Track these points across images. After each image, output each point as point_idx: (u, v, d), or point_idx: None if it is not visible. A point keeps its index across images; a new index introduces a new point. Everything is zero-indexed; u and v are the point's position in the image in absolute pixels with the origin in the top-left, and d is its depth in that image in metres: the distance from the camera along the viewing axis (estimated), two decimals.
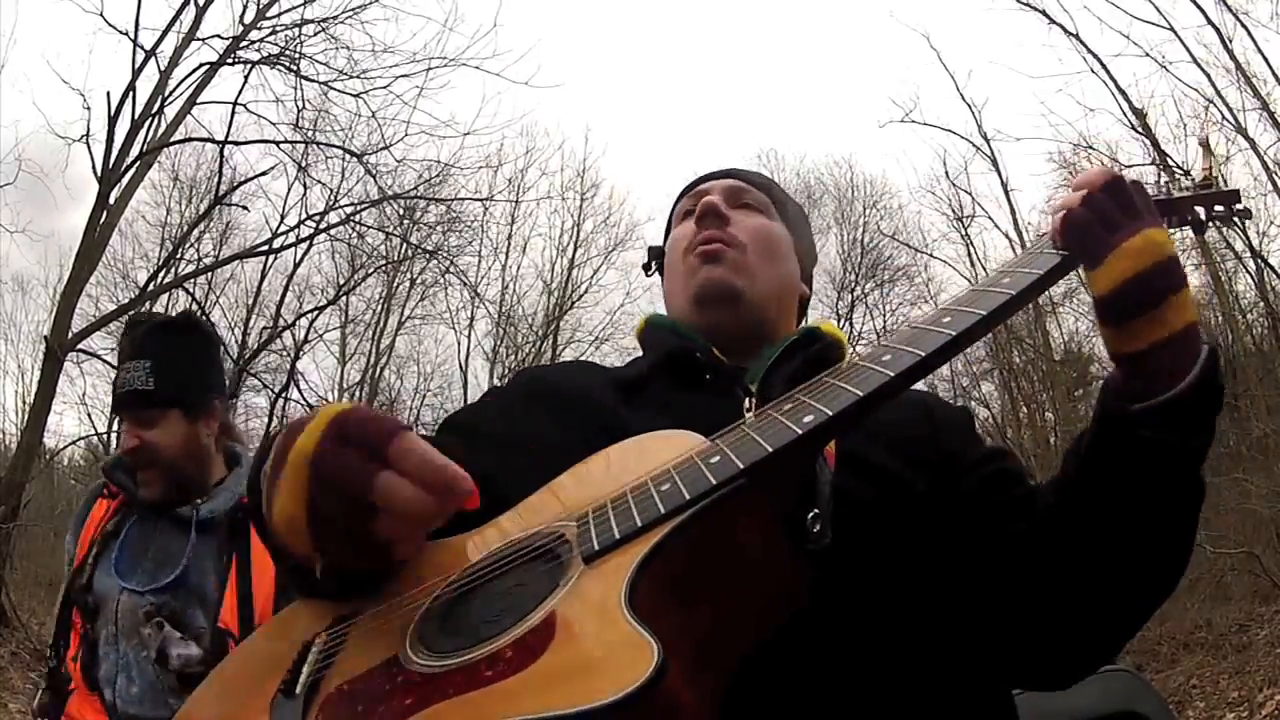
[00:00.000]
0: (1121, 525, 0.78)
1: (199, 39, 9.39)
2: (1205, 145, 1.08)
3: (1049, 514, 0.83)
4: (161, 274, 11.60)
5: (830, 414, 0.67)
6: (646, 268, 1.24)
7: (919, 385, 0.77)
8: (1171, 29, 10.51)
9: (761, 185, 1.19)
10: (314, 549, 0.71)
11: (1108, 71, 11.11)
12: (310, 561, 0.72)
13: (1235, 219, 1.02)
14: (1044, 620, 0.83)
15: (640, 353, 1.17)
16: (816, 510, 0.79)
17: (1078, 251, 0.80)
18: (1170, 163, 10.33)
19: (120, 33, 8.83)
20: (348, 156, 11.02)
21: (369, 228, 12.48)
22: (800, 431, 0.67)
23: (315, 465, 0.69)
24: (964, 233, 15.62)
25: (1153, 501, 0.77)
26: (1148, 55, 10.64)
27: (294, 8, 9.64)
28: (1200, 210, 1.00)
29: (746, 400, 0.95)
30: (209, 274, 13.45)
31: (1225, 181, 1.02)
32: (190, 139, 10.49)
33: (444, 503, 0.68)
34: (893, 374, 0.69)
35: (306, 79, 9.74)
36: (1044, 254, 0.82)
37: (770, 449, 0.66)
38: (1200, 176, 1.03)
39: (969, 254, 15.49)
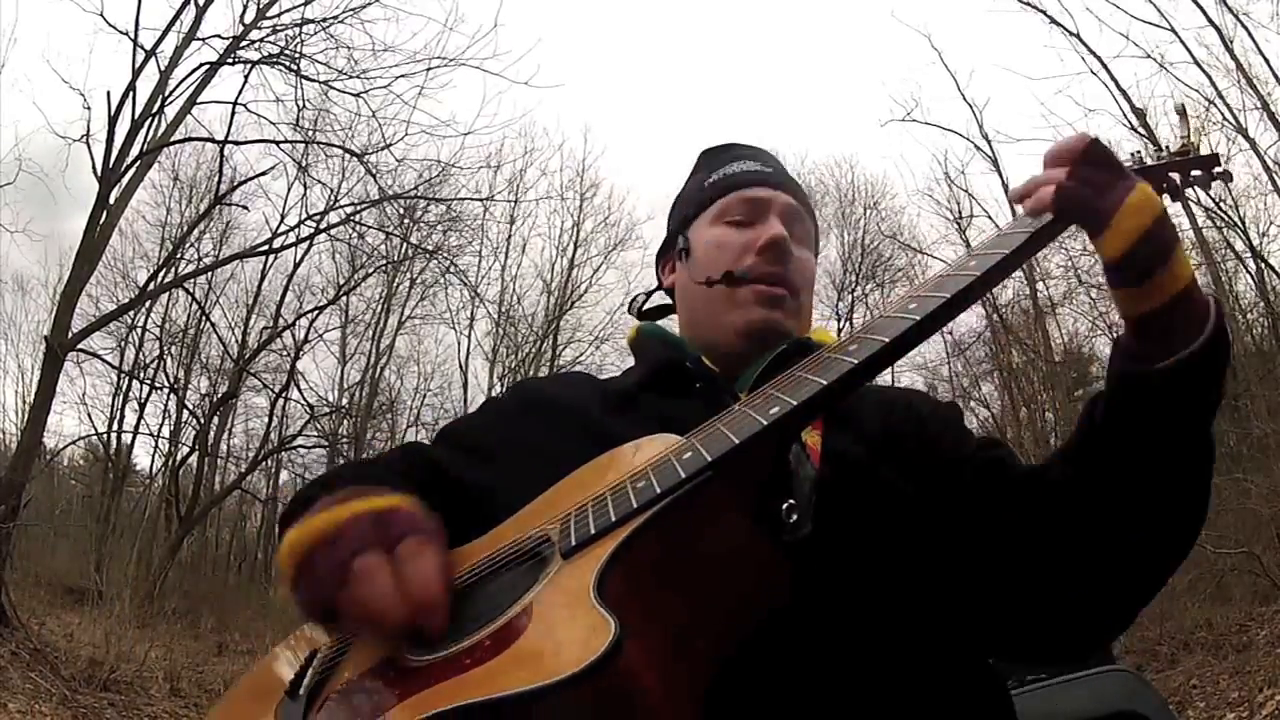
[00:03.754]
0: (1145, 485, 0.78)
1: (199, 39, 9.40)
2: (1181, 112, 1.06)
3: (1068, 482, 0.82)
4: (161, 274, 11.62)
5: (795, 403, 0.70)
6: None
7: (917, 384, 0.77)
8: (1172, 29, 10.52)
9: (808, 209, 1.15)
10: (290, 583, 0.75)
11: (1108, 72, 11.12)
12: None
13: (1215, 182, 1.00)
14: (1066, 588, 0.82)
15: (633, 360, 1.18)
16: (792, 501, 0.80)
17: (1078, 220, 0.78)
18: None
19: (120, 33, 8.84)
20: (348, 156, 11.04)
21: (369, 228, 12.51)
22: (766, 422, 0.69)
23: (345, 522, 0.73)
24: (963, 234, 15.62)
25: (1173, 460, 0.78)
26: (1149, 56, 10.64)
27: (294, 7, 9.65)
28: (1176, 176, 0.99)
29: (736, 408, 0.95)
30: (209, 274, 13.47)
31: (1199, 148, 1.01)
32: (190, 139, 10.52)
33: (410, 617, 0.68)
34: (856, 362, 0.71)
35: (307, 79, 9.76)
36: (1013, 234, 0.80)
37: (737, 441, 0.68)
38: (1176, 145, 1.02)
39: None
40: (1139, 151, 1.03)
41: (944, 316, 0.74)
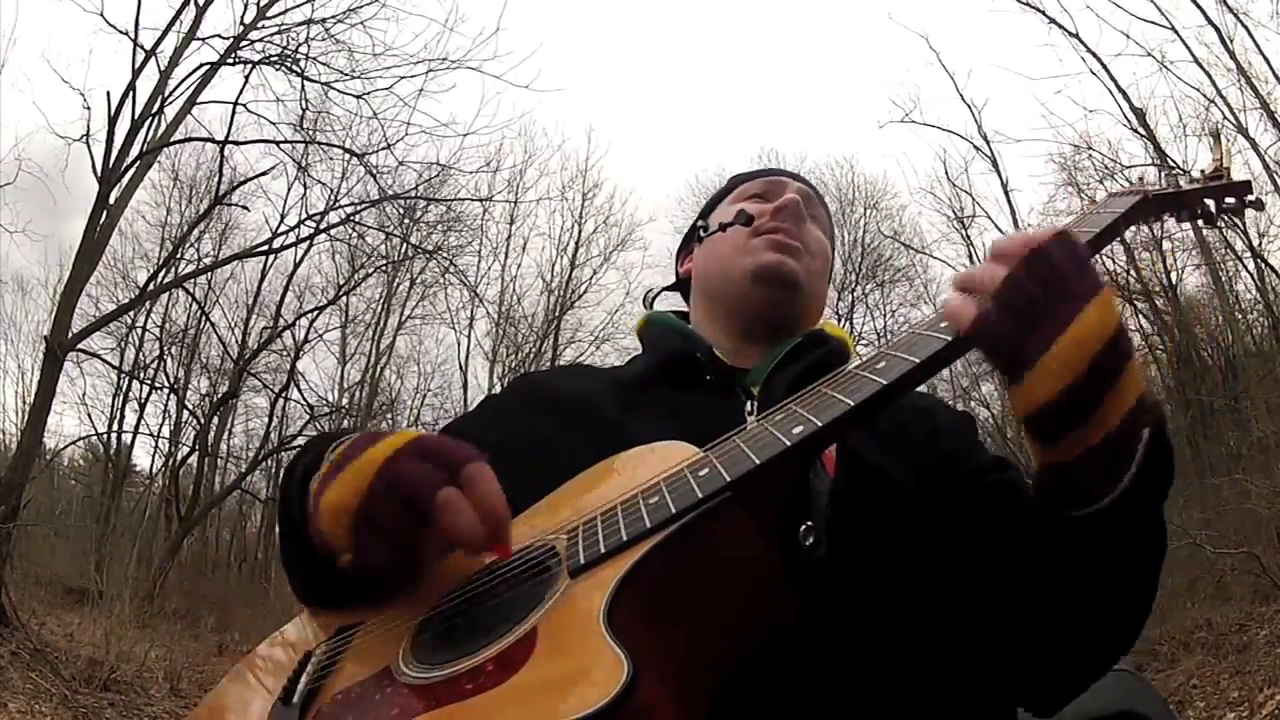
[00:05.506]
0: (1071, 594, 0.74)
1: (199, 39, 9.38)
2: (1216, 135, 1.03)
3: (1012, 560, 0.78)
4: (161, 274, 11.60)
5: (820, 424, 0.66)
6: (702, 226, 1.17)
7: (920, 387, 0.75)
8: (1172, 28, 10.52)
9: (825, 206, 1.19)
10: (348, 543, 0.71)
11: (1107, 71, 11.11)
12: (339, 554, 0.73)
13: (1247, 209, 0.97)
14: (1018, 645, 0.79)
15: (640, 350, 1.16)
16: (810, 522, 0.77)
17: (992, 364, 0.68)
18: (1170, 162, 10.32)
19: (120, 33, 8.82)
20: (348, 156, 11.03)
21: (369, 228, 12.51)
22: (789, 443, 0.66)
23: (386, 466, 0.71)
24: (964, 233, 15.62)
25: (1103, 570, 0.73)
26: (1149, 55, 10.64)
27: (294, 7, 9.64)
28: (1210, 203, 0.95)
29: (748, 403, 0.94)
30: (209, 274, 13.47)
31: (1232, 173, 0.97)
32: (190, 139, 10.50)
33: (490, 538, 0.69)
34: (885, 382, 0.67)
35: (307, 79, 9.74)
36: None
37: (758, 461, 0.65)
38: (1210, 168, 0.98)
39: (969, 255, 15.48)
40: (1175, 174, 1.00)
41: None
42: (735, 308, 1.07)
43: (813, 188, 1.19)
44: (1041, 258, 0.66)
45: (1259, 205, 0.99)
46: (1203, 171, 1.00)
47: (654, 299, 1.21)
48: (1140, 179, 1.01)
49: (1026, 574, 0.77)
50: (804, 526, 0.77)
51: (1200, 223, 1.00)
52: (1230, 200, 0.97)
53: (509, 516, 0.70)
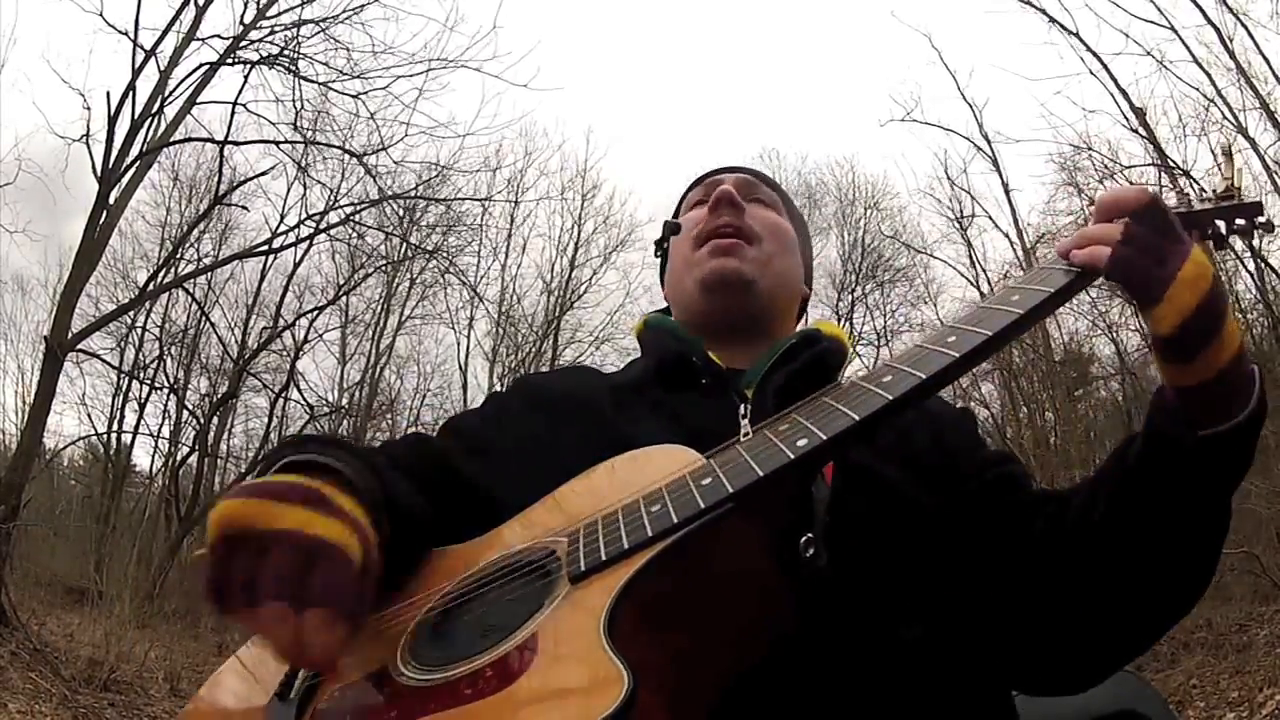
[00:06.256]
0: (1160, 543, 0.77)
1: (199, 39, 9.38)
2: (1228, 154, 1.02)
3: (1088, 521, 0.81)
4: (161, 274, 11.60)
5: (825, 438, 0.66)
6: (660, 243, 1.21)
7: None
8: (1172, 28, 10.51)
9: (771, 184, 1.20)
10: (209, 550, 0.69)
11: (1108, 71, 11.10)
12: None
13: (1257, 232, 0.96)
14: (1064, 624, 0.81)
15: (640, 352, 1.17)
16: (810, 534, 0.77)
17: (1129, 290, 0.75)
18: (1170, 163, 10.33)
19: (120, 33, 8.82)
20: (347, 156, 11.03)
21: (369, 228, 12.51)
22: (793, 456, 0.66)
23: (274, 533, 0.66)
24: (964, 233, 15.61)
25: (1194, 524, 0.76)
26: (1148, 54, 10.63)
27: (293, 8, 9.64)
28: (1221, 224, 0.95)
29: (741, 406, 0.95)
30: (209, 274, 13.47)
31: (1242, 193, 0.96)
32: (190, 139, 10.50)
33: (297, 666, 0.67)
34: (891, 397, 0.67)
35: (306, 79, 9.74)
36: (1055, 271, 0.78)
37: (761, 473, 0.65)
38: (1222, 187, 0.98)
39: (969, 255, 15.48)
40: (1186, 193, 0.99)
41: (984, 353, 0.71)
42: (700, 320, 1.09)
43: (756, 172, 1.21)
44: (1155, 207, 0.76)
45: (1270, 228, 0.97)
46: (1215, 191, 0.99)
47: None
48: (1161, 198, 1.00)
49: (1096, 533, 0.79)
50: (805, 538, 0.77)
51: (1210, 244, 0.99)
52: (1240, 221, 0.96)
53: (328, 669, 0.67)
